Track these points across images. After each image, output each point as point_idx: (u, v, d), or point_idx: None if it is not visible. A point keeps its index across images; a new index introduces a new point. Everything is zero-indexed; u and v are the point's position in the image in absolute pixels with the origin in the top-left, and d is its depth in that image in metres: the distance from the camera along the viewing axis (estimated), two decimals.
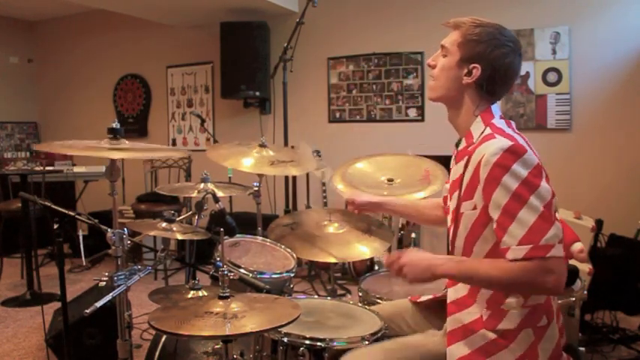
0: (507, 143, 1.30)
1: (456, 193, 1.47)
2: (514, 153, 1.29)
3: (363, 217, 2.21)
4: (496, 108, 1.48)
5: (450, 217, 1.52)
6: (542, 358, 1.34)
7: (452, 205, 1.51)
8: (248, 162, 2.35)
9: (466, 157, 1.42)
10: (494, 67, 1.42)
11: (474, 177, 1.37)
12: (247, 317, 1.43)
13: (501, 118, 1.46)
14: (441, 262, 1.38)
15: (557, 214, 1.33)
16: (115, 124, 1.74)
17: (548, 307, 1.38)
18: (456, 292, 1.48)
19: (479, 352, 1.36)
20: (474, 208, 1.38)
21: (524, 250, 1.25)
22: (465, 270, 1.36)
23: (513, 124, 1.47)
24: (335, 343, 1.59)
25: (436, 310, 1.72)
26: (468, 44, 1.44)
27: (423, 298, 1.78)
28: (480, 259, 1.40)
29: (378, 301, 2.04)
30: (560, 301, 1.70)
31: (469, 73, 1.44)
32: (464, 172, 1.43)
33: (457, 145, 1.53)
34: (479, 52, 1.42)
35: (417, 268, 1.40)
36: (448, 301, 1.50)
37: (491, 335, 1.36)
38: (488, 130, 1.40)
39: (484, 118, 1.45)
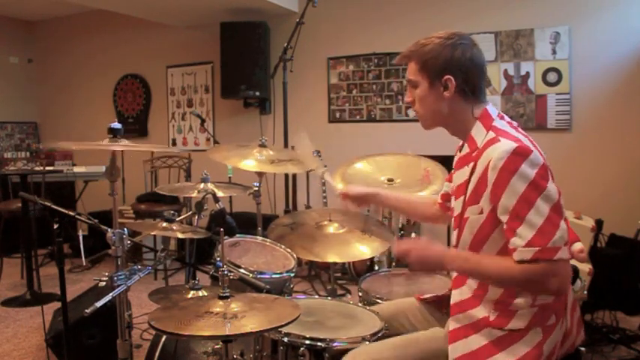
0: (513, 145, 1.31)
1: (461, 198, 1.47)
2: (520, 155, 1.29)
3: (363, 217, 2.21)
4: (492, 109, 1.48)
5: (453, 222, 1.53)
6: (544, 356, 1.34)
7: (456, 209, 1.51)
8: (250, 162, 2.36)
9: (472, 163, 1.42)
10: (462, 69, 1.44)
11: (480, 182, 1.37)
12: (247, 317, 1.43)
13: (500, 117, 1.46)
14: (450, 258, 1.43)
15: (564, 214, 1.34)
16: (115, 124, 1.74)
17: (557, 306, 1.38)
18: (461, 294, 1.48)
19: (483, 350, 1.37)
20: (481, 212, 1.38)
21: (531, 252, 1.26)
22: (472, 268, 1.40)
23: (515, 123, 1.47)
24: (335, 343, 1.59)
25: (439, 308, 1.73)
26: (428, 65, 1.46)
27: (427, 296, 1.78)
28: (487, 257, 1.41)
29: (378, 301, 2.03)
30: None
31: (446, 87, 1.45)
32: (470, 178, 1.43)
33: (460, 149, 1.54)
34: (441, 64, 1.44)
35: (427, 258, 1.43)
36: (452, 302, 1.50)
37: (498, 333, 1.36)
38: (491, 134, 1.40)
39: (483, 121, 1.45)
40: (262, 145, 2.48)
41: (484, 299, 1.41)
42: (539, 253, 1.26)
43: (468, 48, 1.44)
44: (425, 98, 1.49)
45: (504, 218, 1.31)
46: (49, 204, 1.98)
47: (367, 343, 1.59)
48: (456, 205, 1.51)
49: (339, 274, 4.39)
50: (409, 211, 1.96)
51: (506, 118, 1.47)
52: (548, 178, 1.31)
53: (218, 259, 1.93)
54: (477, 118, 1.46)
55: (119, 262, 1.70)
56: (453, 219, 1.54)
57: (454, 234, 1.52)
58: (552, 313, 1.36)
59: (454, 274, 1.54)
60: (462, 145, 1.53)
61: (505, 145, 1.32)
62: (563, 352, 1.45)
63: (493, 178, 1.32)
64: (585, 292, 2.37)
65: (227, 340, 1.48)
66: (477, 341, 1.38)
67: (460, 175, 1.50)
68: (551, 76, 4.14)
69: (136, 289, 3.74)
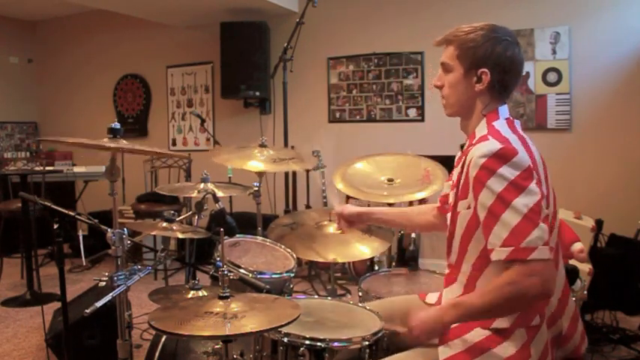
0: (496, 147, 1.31)
1: (454, 192, 1.48)
2: (501, 157, 1.30)
3: None
4: (504, 110, 1.47)
5: (449, 216, 1.53)
6: (534, 358, 1.34)
7: (451, 202, 1.52)
8: (255, 164, 2.38)
9: (464, 158, 1.44)
10: (500, 65, 1.42)
11: (466, 177, 1.38)
12: (247, 317, 1.43)
13: (506, 119, 1.45)
14: (442, 312, 1.38)
15: (552, 217, 1.33)
16: (115, 124, 1.74)
17: (541, 307, 1.38)
18: (452, 292, 1.49)
19: (471, 350, 1.37)
20: (469, 207, 1.39)
21: (506, 252, 1.26)
22: (463, 311, 1.34)
23: (518, 123, 1.46)
24: (335, 343, 1.59)
25: None
26: (467, 53, 1.44)
27: (430, 300, 1.77)
28: (469, 295, 1.39)
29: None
30: None
31: (479, 80, 1.44)
32: (461, 172, 1.44)
33: (462, 146, 1.54)
34: (481, 56, 1.42)
35: (426, 326, 1.39)
36: (442, 303, 1.51)
37: (485, 332, 1.37)
38: (485, 131, 1.41)
39: (489, 119, 1.45)
40: (262, 146, 2.49)
41: None
42: (513, 253, 1.25)
43: (510, 46, 1.43)
44: (456, 85, 1.48)
45: (482, 216, 1.32)
46: (49, 204, 1.98)
47: (367, 343, 1.59)
48: (451, 197, 1.52)
49: (339, 274, 4.39)
50: (407, 225, 1.95)
51: (510, 118, 1.46)
52: (531, 180, 1.30)
53: (218, 259, 1.93)
54: (485, 115, 1.46)
55: (119, 262, 1.70)
56: (449, 214, 1.54)
57: (448, 227, 1.52)
58: (537, 314, 1.36)
59: (447, 271, 1.54)
60: (465, 142, 1.53)
61: (490, 145, 1.32)
62: (561, 356, 1.45)
63: (473, 175, 1.33)
64: (585, 292, 2.37)
65: (227, 340, 1.48)
66: (464, 343, 1.38)
67: (456, 170, 1.52)
68: (551, 76, 4.14)
69: (136, 289, 3.74)
